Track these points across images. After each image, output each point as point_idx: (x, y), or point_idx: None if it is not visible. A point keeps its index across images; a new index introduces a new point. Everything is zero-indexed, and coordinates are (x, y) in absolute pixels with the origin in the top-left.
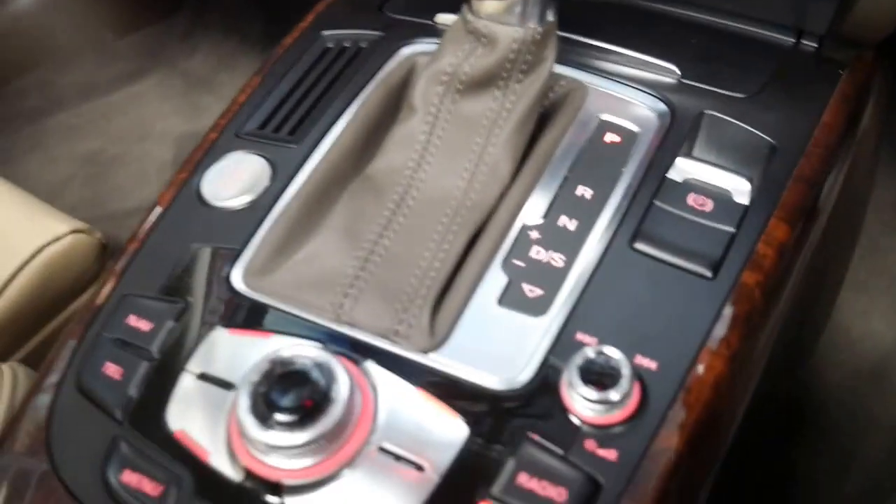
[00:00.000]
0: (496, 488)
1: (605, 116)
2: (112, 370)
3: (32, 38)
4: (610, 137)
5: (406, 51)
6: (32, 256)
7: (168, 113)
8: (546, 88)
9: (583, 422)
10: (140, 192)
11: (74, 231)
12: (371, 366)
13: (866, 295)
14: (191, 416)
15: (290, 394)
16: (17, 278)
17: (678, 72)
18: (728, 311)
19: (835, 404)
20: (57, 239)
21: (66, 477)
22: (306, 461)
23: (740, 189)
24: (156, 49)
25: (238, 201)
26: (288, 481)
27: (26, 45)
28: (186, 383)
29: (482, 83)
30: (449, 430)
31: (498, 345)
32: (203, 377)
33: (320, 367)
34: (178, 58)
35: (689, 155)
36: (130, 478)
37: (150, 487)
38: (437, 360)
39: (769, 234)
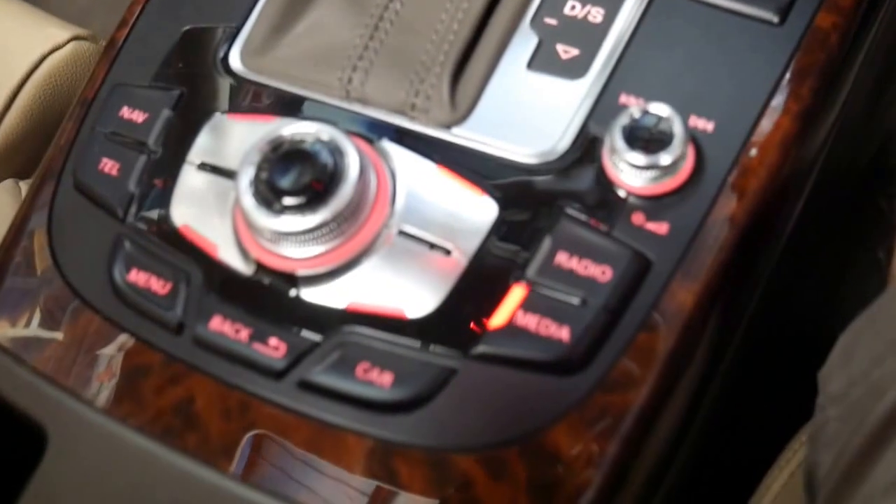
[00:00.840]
0: (531, 270)
1: None
2: (109, 166)
3: None
4: None
5: None
6: (34, 68)
7: None
8: None
9: (629, 193)
10: None
11: (75, 38)
12: (387, 144)
13: None
14: (195, 208)
15: (293, 174)
16: (21, 92)
17: None
18: (799, 61)
19: None
20: (57, 47)
21: (72, 279)
22: (319, 248)
23: None
24: None
25: None
26: (302, 271)
27: None
28: (188, 175)
29: None
30: (477, 211)
31: (530, 114)
32: (204, 167)
33: (326, 143)
34: None
35: None
36: (137, 277)
37: (157, 285)
38: (461, 135)
39: None
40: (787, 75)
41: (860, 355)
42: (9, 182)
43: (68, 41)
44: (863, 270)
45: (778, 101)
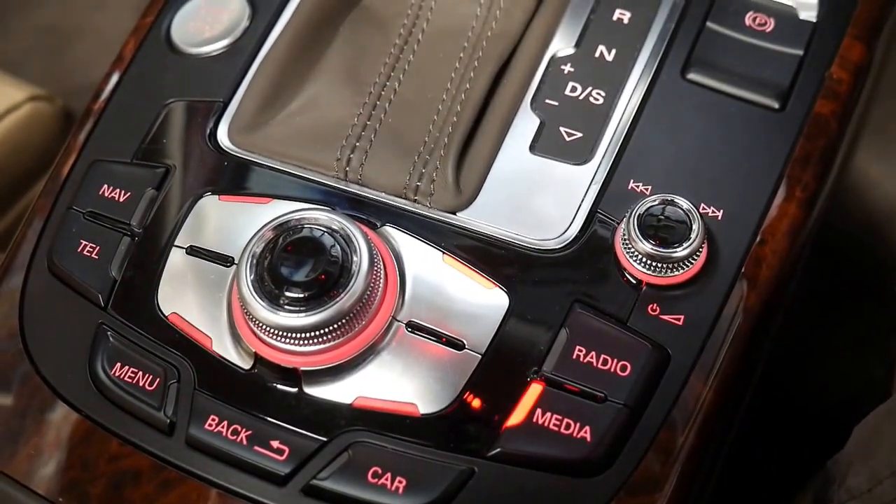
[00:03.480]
0: (548, 365)
1: None
2: (88, 248)
3: None
4: None
5: None
6: None
7: None
8: None
9: (644, 282)
10: (103, 63)
11: (33, 98)
12: (390, 230)
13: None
14: (185, 297)
15: (301, 266)
16: None
17: None
18: (802, 147)
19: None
20: (15, 107)
21: (48, 373)
22: (325, 344)
23: (807, 2)
24: None
25: (215, 46)
26: (306, 367)
27: None
28: (176, 260)
29: None
30: (487, 301)
31: (536, 198)
32: (194, 251)
33: (335, 233)
34: None
35: None
36: (122, 371)
37: (145, 380)
38: (467, 221)
39: (843, 55)
40: (792, 162)
41: (883, 451)
42: None
43: (25, 101)
44: (865, 349)
45: (784, 189)
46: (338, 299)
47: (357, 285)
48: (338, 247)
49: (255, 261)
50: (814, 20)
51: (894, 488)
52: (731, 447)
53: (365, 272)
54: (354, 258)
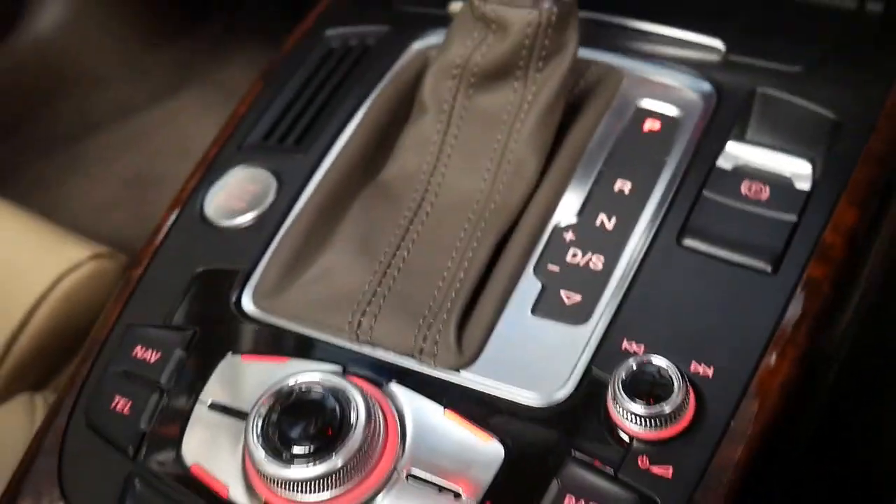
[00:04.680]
0: None
1: (643, 103)
2: (121, 404)
3: (59, 61)
4: (649, 125)
5: (417, 45)
6: (52, 287)
7: (209, 126)
8: (571, 76)
9: (632, 437)
10: None
11: (95, 256)
12: (395, 388)
13: None
14: (206, 448)
15: (300, 424)
16: (38, 310)
17: (723, 48)
18: (793, 309)
19: None
20: (77, 266)
21: None
22: (329, 493)
23: (801, 173)
24: (189, 62)
25: (243, 219)
26: None
27: (53, 68)
28: (199, 414)
29: (497, 74)
30: (484, 453)
31: (534, 358)
32: (215, 407)
33: (332, 392)
34: (212, 69)
35: (740, 138)
36: None
37: None
38: (468, 378)
39: (837, 220)
40: (783, 322)
41: None
42: (23, 396)
43: (87, 260)
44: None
45: (776, 346)
46: (337, 451)
47: (356, 438)
48: (335, 403)
49: (260, 420)
50: (808, 188)
51: None
52: None
53: (361, 427)
54: (350, 415)
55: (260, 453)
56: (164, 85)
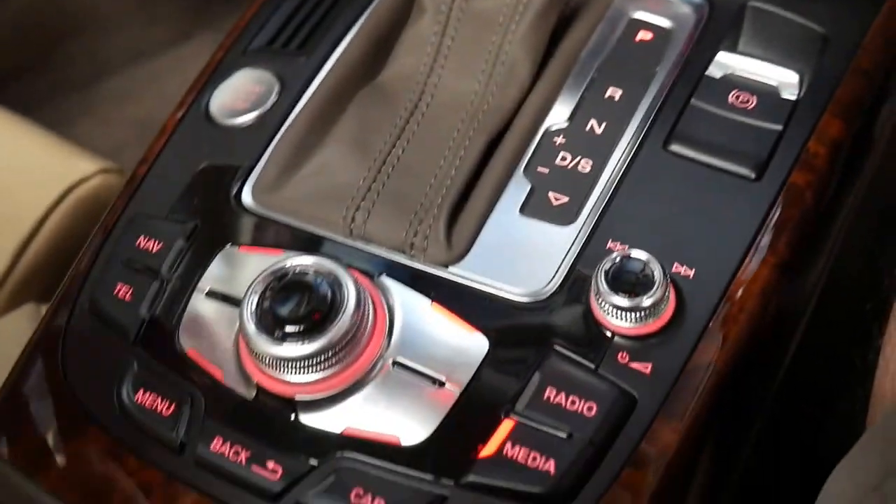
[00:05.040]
0: (520, 404)
1: (637, 14)
2: (123, 291)
3: (73, 4)
4: (641, 36)
5: None
6: (61, 198)
7: None
8: None
9: (614, 333)
10: None
11: (103, 171)
12: (386, 280)
13: None
14: (201, 335)
15: (293, 303)
16: (47, 221)
17: None
18: (775, 215)
19: None
20: (86, 179)
21: (82, 397)
22: (318, 375)
23: (789, 83)
24: (202, 8)
25: (246, 118)
26: (301, 396)
27: (70, 10)
28: (197, 302)
29: None
30: (469, 345)
31: (521, 256)
32: (212, 294)
33: (325, 276)
34: (224, 15)
35: (731, 49)
36: (144, 397)
37: (163, 406)
38: (456, 273)
39: (821, 131)
40: (765, 228)
41: (861, 475)
42: (29, 306)
43: (95, 173)
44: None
45: (756, 252)
46: (326, 332)
47: (344, 321)
48: (326, 287)
49: (256, 300)
50: (795, 98)
51: None
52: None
53: (352, 310)
54: (342, 297)
55: (253, 330)
56: (177, 30)
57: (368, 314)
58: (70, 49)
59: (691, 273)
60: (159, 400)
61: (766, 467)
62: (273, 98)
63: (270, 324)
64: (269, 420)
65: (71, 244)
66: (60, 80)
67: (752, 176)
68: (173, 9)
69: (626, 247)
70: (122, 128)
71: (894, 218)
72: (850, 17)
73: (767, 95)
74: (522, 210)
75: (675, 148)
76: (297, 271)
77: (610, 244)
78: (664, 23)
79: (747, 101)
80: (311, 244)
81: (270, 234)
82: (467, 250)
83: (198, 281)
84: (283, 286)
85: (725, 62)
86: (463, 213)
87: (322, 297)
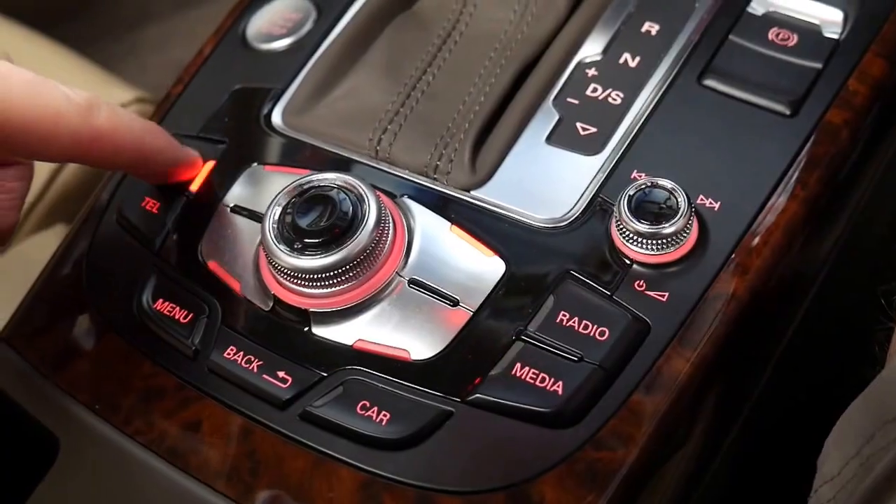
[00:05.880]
0: (532, 325)
1: None
2: (150, 204)
3: None
4: None
5: None
6: None
7: None
8: None
9: (633, 260)
10: None
11: (139, 100)
12: (407, 201)
13: None
14: (223, 248)
15: (314, 216)
16: None
17: None
18: (808, 151)
19: None
20: (122, 106)
21: (103, 304)
22: (334, 288)
23: (832, 20)
24: None
25: (281, 43)
26: (315, 309)
27: None
28: (221, 216)
29: None
30: (486, 268)
31: (545, 183)
32: (236, 209)
33: (348, 192)
34: None
35: None
36: (163, 305)
37: (181, 314)
38: (478, 198)
39: (863, 69)
40: (796, 164)
41: (852, 436)
42: (61, 226)
43: (132, 101)
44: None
45: (785, 186)
46: (345, 246)
47: (363, 236)
48: (349, 202)
49: (278, 212)
50: (837, 37)
51: (857, 467)
52: (735, 440)
53: (372, 226)
54: (363, 213)
55: (272, 241)
56: None
57: (388, 232)
58: None
59: (717, 206)
60: (177, 309)
61: (778, 403)
62: (309, 25)
63: (290, 236)
64: (284, 331)
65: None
66: (108, 22)
67: (788, 112)
68: None
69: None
70: (162, 71)
71: None
72: None
73: (809, 33)
74: (549, 139)
75: (710, 82)
76: (320, 185)
77: (635, 174)
78: None
79: (787, 39)
80: (336, 165)
81: (296, 155)
82: (491, 176)
83: (223, 196)
84: (305, 199)
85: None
86: (489, 139)
87: (343, 213)
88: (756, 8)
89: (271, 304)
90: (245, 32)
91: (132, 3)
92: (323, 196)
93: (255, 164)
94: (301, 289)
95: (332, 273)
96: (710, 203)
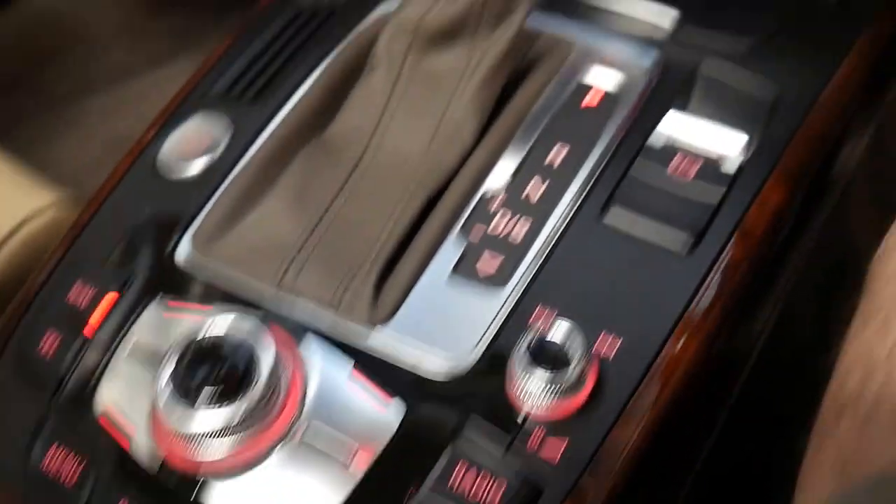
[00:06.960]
0: (426, 486)
1: (587, 77)
2: (49, 343)
3: (64, 22)
4: (588, 100)
5: (382, 8)
6: (11, 233)
7: None
8: (517, 44)
9: (527, 414)
10: None
11: (57, 203)
12: (312, 339)
13: None
14: (120, 397)
15: (200, 379)
16: None
17: (676, 19)
18: (707, 289)
19: None
20: (39, 212)
21: None
22: (224, 450)
23: (734, 147)
24: (185, 30)
25: (194, 168)
26: (203, 474)
27: (62, 31)
28: (118, 360)
29: (448, 35)
30: (384, 415)
31: (449, 320)
32: (135, 353)
33: (239, 347)
34: (205, 39)
35: (682, 109)
36: (51, 460)
37: (69, 473)
38: (379, 338)
39: (763, 197)
40: (695, 303)
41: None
42: None
43: (49, 206)
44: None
45: (685, 323)
46: (236, 403)
47: (256, 391)
48: (241, 360)
49: (168, 371)
50: (739, 164)
51: None
52: None
53: (265, 380)
54: (255, 371)
55: (162, 403)
56: (160, 52)
57: (279, 391)
58: (59, 67)
59: (618, 343)
60: (66, 465)
61: None
62: (223, 147)
63: (178, 396)
64: (170, 496)
65: (21, 279)
66: (47, 96)
67: (683, 253)
68: (156, 32)
69: (555, 312)
70: (96, 146)
71: (842, 274)
72: (804, 78)
73: (708, 165)
74: (455, 271)
75: (610, 220)
76: (208, 343)
77: (539, 309)
78: (613, 86)
79: (687, 172)
80: (241, 299)
81: (202, 289)
82: (394, 311)
83: (123, 336)
84: (192, 359)
85: (671, 126)
86: (394, 272)
87: (231, 371)
88: (656, 141)
89: (159, 464)
90: (157, 156)
91: (75, 74)
92: (212, 350)
93: (159, 298)
94: (187, 450)
95: (223, 430)
96: (613, 340)
